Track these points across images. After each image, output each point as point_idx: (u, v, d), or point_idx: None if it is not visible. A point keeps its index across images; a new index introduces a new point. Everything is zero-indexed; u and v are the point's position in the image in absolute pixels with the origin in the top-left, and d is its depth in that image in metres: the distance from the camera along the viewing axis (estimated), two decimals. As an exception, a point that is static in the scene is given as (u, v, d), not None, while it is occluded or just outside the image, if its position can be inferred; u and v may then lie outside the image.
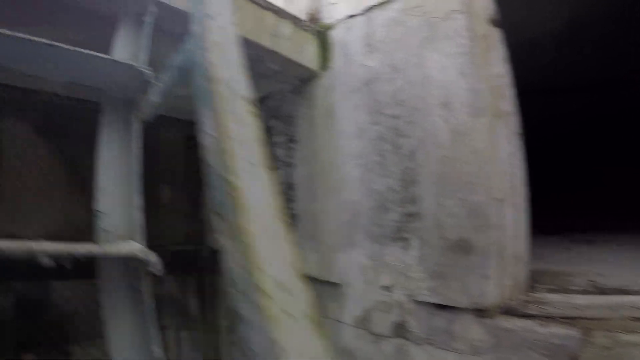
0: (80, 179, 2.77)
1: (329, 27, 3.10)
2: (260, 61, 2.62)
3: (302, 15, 3.20)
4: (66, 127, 2.48)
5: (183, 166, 3.53)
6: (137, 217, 1.54)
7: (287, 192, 2.90)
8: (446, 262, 2.11)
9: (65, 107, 2.56)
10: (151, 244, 1.49)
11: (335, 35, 2.99)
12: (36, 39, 1.34)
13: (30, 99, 2.48)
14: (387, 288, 2.37)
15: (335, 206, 2.70)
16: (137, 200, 1.54)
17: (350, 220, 2.59)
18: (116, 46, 1.79)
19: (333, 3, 3.23)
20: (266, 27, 2.54)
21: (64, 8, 1.96)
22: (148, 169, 1.69)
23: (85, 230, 3.16)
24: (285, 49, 2.62)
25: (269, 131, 3.12)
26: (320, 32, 3.02)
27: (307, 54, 2.80)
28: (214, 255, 3.35)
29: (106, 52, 1.71)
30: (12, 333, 2.62)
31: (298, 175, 2.88)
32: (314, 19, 3.19)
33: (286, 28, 2.71)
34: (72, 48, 1.43)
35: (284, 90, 3.04)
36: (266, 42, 2.49)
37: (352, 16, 2.87)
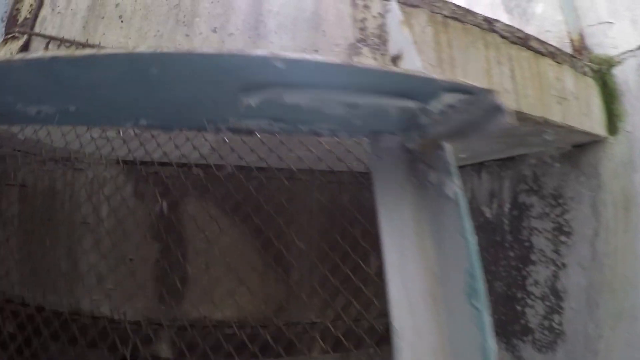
0: (273, 253, 2.35)
1: (609, 63, 2.16)
2: (534, 135, 1.84)
3: (556, 42, 2.30)
4: (251, 199, 2.06)
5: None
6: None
7: (550, 299, 2.13)
8: None
9: (249, 178, 2.15)
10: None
11: (623, 75, 2.06)
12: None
13: (211, 175, 2.13)
14: None
15: (626, 337, 1.92)
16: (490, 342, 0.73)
17: (649, 360, 1.83)
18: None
19: (607, 22, 2.26)
20: (549, 87, 1.74)
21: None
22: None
23: (285, 307, 2.85)
24: (574, 116, 1.79)
25: (519, 209, 2.30)
26: (596, 72, 2.10)
27: (594, 114, 1.93)
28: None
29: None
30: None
31: (570, 281, 2.08)
32: (580, 49, 2.26)
33: (568, 79, 1.87)
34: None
35: (544, 154, 2.18)
36: (554, 114, 1.69)
37: (651, 46, 1.96)
